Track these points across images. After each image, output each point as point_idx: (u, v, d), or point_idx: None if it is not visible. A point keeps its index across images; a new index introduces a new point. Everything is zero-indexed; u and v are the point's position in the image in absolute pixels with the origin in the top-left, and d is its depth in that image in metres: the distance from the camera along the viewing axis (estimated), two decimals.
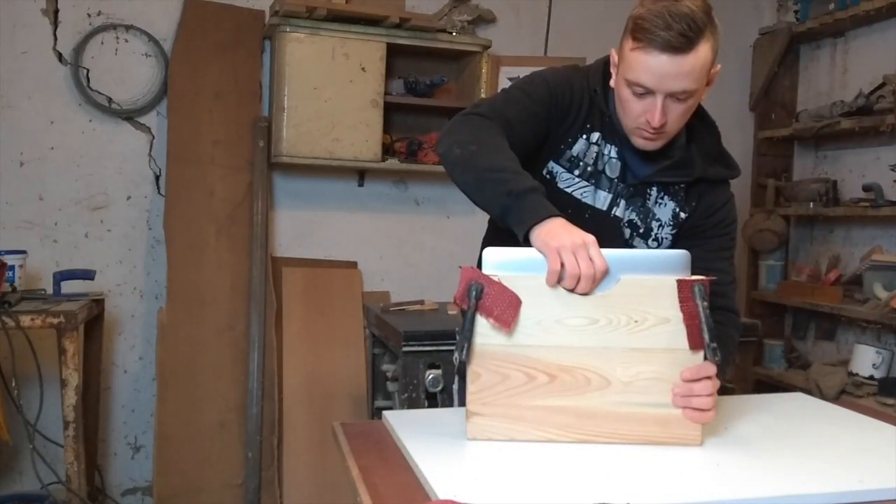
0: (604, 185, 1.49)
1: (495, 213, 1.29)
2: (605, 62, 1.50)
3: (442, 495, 0.99)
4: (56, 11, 3.01)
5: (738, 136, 3.84)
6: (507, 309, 1.19)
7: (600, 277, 1.20)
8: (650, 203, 1.51)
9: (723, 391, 1.25)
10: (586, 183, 1.49)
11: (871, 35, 3.48)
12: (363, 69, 3.07)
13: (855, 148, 3.55)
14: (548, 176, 1.51)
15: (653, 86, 1.33)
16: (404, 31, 3.16)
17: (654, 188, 1.51)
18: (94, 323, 2.83)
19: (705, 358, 1.20)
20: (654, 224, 1.52)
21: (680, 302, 1.19)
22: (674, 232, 1.52)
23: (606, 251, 1.23)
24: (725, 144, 1.58)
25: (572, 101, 1.48)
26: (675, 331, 1.20)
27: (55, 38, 3.02)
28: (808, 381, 3.24)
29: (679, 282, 1.19)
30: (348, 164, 3.16)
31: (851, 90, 3.50)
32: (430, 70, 3.32)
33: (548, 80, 1.48)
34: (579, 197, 1.50)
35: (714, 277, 1.28)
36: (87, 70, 3.05)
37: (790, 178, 3.82)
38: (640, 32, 1.32)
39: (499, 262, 1.21)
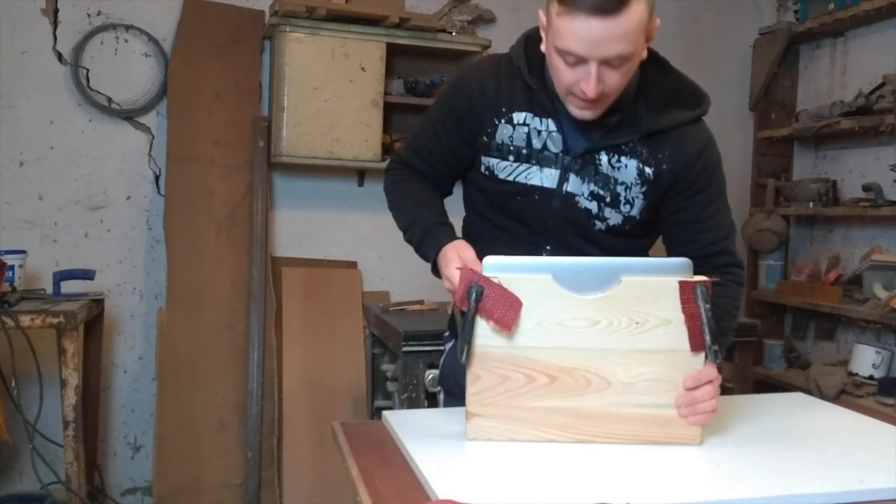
0: (549, 163, 1.41)
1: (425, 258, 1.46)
2: (528, 36, 1.43)
3: (442, 495, 0.99)
4: (56, 11, 3.01)
5: (738, 136, 3.83)
6: (507, 311, 1.19)
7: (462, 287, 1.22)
8: (604, 169, 1.40)
9: (722, 391, 1.25)
10: (527, 164, 1.42)
11: (871, 35, 3.47)
12: (363, 69, 3.07)
13: (855, 148, 3.55)
14: (486, 172, 1.47)
15: (585, 53, 1.21)
16: (404, 31, 3.15)
17: (603, 153, 1.40)
18: (93, 323, 2.83)
19: (706, 359, 1.20)
20: (620, 189, 1.41)
21: (682, 303, 1.18)
22: (644, 189, 1.41)
23: (606, 259, 1.23)
24: (725, 145, 1.52)
25: (484, 95, 1.43)
26: (676, 332, 1.20)
27: (55, 38, 3.02)
28: (808, 381, 3.24)
29: (681, 283, 1.19)
30: (348, 164, 3.16)
31: (851, 90, 3.49)
32: (430, 70, 3.32)
33: (449, 90, 1.52)
34: (524, 181, 1.43)
35: (717, 279, 1.27)
36: (87, 70, 3.06)
37: (790, 178, 3.81)
38: None
39: (499, 265, 1.21)
